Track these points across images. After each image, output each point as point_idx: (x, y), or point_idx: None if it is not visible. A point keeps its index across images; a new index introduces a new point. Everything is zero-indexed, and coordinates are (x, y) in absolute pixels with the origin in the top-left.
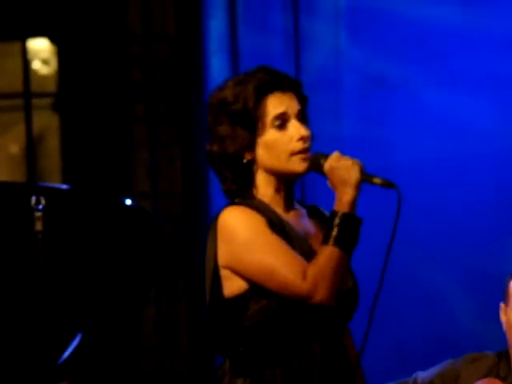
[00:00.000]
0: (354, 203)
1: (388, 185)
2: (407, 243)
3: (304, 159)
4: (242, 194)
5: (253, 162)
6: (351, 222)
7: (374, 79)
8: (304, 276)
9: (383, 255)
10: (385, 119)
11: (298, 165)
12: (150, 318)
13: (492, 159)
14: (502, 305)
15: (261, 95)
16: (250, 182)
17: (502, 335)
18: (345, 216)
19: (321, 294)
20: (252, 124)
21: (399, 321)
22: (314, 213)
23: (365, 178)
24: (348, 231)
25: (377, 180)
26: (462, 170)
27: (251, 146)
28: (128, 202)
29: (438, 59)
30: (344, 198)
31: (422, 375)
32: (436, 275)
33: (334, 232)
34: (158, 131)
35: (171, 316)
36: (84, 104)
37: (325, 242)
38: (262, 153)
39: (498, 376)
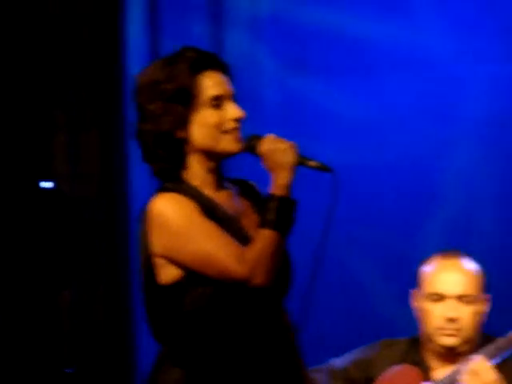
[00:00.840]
0: (289, 186)
1: (324, 168)
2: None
3: (238, 139)
4: (173, 174)
5: (185, 140)
6: (287, 206)
7: (294, 63)
8: (241, 260)
9: (313, 237)
10: (306, 103)
11: (232, 145)
12: (66, 302)
13: (409, 145)
14: (414, 291)
15: (195, 72)
16: (182, 162)
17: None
18: (281, 199)
19: (259, 278)
20: (187, 101)
21: (315, 304)
22: (245, 189)
23: (300, 161)
24: (284, 214)
25: (312, 163)
26: (382, 156)
27: (185, 123)
28: (46, 184)
29: (354, 44)
30: (280, 181)
31: (336, 362)
32: (353, 257)
33: (271, 216)
34: (77, 114)
35: (87, 300)
36: (2, 88)
37: (262, 225)
38: (195, 131)
39: (411, 361)
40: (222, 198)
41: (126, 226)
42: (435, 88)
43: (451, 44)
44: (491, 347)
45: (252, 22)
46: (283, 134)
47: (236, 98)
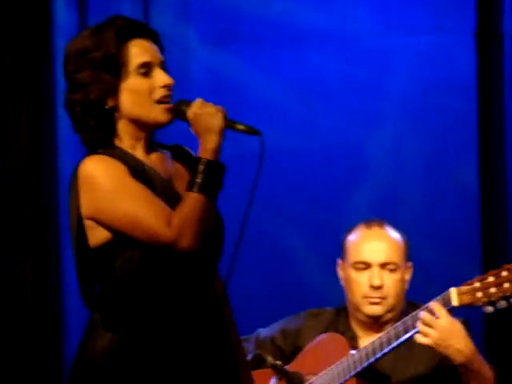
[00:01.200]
0: (217, 150)
1: (251, 131)
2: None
3: (167, 110)
4: (104, 143)
5: (115, 109)
6: (215, 169)
7: (222, 36)
8: (169, 223)
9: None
10: (234, 75)
11: (161, 115)
12: None
13: (337, 119)
14: (339, 260)
15: (122, 40)
16: (112, 131)
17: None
18: (209, 163)
19: (186, 241)
20: (115, 69)
21: (243, 275)
22: (177, 153)
23: (228, 125)
24: (212, 178)
25: (240, 126)
26: (310, 129)
27: (114, 91)
28: None
29: (284, 15)
30: (208, 145)
31: (263, 332)
32: (281, 229)
33: (199, 179)
34: (5, 85)
35: (15, 270)
36: None
37: (189, 188)
38: (125, 99)
39: (337, 330)
40: (154, 162)
41: (55, 197)
42: (363, 61)
43: (378, 17)
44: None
45: None
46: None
47: (166, 67)
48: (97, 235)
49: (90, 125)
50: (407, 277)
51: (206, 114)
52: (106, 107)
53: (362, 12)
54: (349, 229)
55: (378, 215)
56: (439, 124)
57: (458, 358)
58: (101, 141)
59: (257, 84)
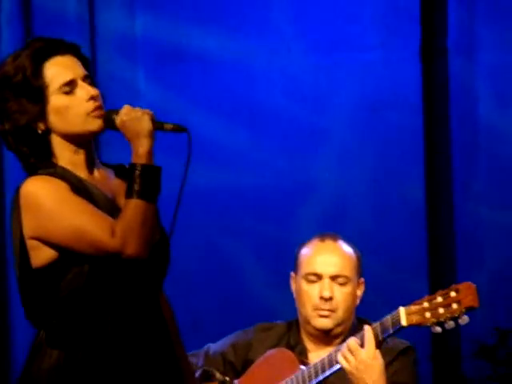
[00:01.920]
0: (150, 153)
1: (179, 129)
2: (202, 211)
3: (97, 117)
4: (43, 165)
5: (48, 131)
6: (151, 172)
7: (171, 50)
8: (112, 232)
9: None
10: (182, 90)
11: (92, 124)
12: None
13: (284, 134)
14: (292, 274)
15: (38, 62)
16: (49, 152)
17: (294, 304)
18: (144, 167)
19: (131, 247)
20: (36, 93)
21: (192, 289)
22: (121, 172)
23: (157, 126)
24: (149, 182)
25: (168, 126)
26: (256, 141)
27: (42, 115)
28: None
29: (231, 32)
30: (140, 150)
31: (213, 347)
32: (229, 243)
33: (136, 185)
34: None
35: None
36: None
37: (128, 196)
38: (54, 120)
39: (288, 344)
40: (97, 179)
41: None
42: (309, 76)
43: (326, 32)
44: (376, 325)
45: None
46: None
47: (91, 78)
48: (41, 255)
49: (25, 152)
50: (359, 293)
51: (133, 119)
52: (39, 132)
53: (308, 28)
54: (303, 242)
55: (324, 230)
56: (385, 140)
57: None
58: (39, 163)
59: (204, 95)
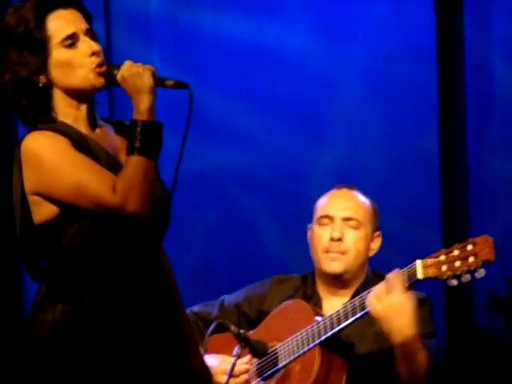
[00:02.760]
0: (151, 109)
1: (180, 85)
2: (216, 165)
3: (99, 74)
4: (42, 119)
5: (49, 85)
6: (152, 129)
7: (185, 30)
8: (114, 189)
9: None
10: (194, 41)
11: (94, 80)
12: None
13: (298, 85)
14: (309, 225)
15: (41, 14)
16: (49, 106)
17: (308, 257)
18: (144, 124)
19: (132, 204)
20: (38, 46)
21: (207, 242)
22: (120, 128)
23: (158, 82)
24: (150, 138)
25: (169, 82)
26: (270, 92)
27: (43, 68)
28: None
29: None
30: (141, 106)
31: (228, 298)
32: (244, 196)
33: (137, 141)
34: None
35: None
36: None
37: (129, 152)
38: (56, 73)
39: (304, 294)
40: (98, 135)
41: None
42: (325, 28)
43: None
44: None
45: None
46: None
47: (93, 33)
48: (42, 211)
49: (24, 105)
50: (374, 245)
51: (134, 75)
52: (40, 85)
53: None
54: (316, 196)
55: (338, 183)
56: (400, 91)
57: (397, 338)
58: (39, 117)
59: (217, 47)
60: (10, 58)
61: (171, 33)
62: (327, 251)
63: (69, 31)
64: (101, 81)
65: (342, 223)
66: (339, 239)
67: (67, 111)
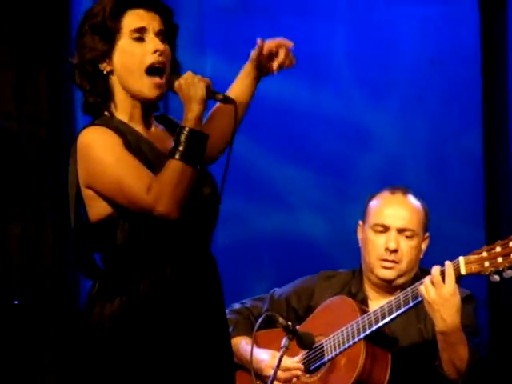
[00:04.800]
0: (199, 118)
1: (228, 100)
2: (258, 173)
3: (157, 86)
4: (100, 108)
5: (109, 74)
6: (196, 137)
7: (235, 4)
8: (149, 189)
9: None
10: (246, 45)
11: (149, 90)
12: (15, 236)
13: (345, 89)
14: (360, 222)
15: (121, 8)
16: (107, 96)
17: (355, 254)
18: (191, 131)
19: (162, 206)
20: (109, 34)
21: (250, 224)
22: (169, 126)
23: (209, 95)
24: (193, 146)
25: (219, 96)
26: (318, 94)
27: (108, 55)
28: None
29: None
30: (190, 114)
31: (278, 291)
32: (295, 198)
33: (180, 146)
34: (24, 53)
35: (36, 234)
36: None
37: (171, 156)
38: (117, 61)
39: (349, 291)
40: (153, 136)
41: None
42: (371, 31)
43: None
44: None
45: None
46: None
47: (165, 38)
48: (97, 207)
49: (86, 88)
50: (423, 246)
51: (189, 84)
52: (101, 71)
53: None
54: (373, 193)
55: (383, 181)
56: (444, 92)
57: (440, 326)
58: (97, 106)
59: None
60: (84, 41)
61: (223, 33)
62: (381, 259)
63: (139, 25)
64: (154, 94)
65: (396, 233)
66: (395, 250)
67: (125, 106)
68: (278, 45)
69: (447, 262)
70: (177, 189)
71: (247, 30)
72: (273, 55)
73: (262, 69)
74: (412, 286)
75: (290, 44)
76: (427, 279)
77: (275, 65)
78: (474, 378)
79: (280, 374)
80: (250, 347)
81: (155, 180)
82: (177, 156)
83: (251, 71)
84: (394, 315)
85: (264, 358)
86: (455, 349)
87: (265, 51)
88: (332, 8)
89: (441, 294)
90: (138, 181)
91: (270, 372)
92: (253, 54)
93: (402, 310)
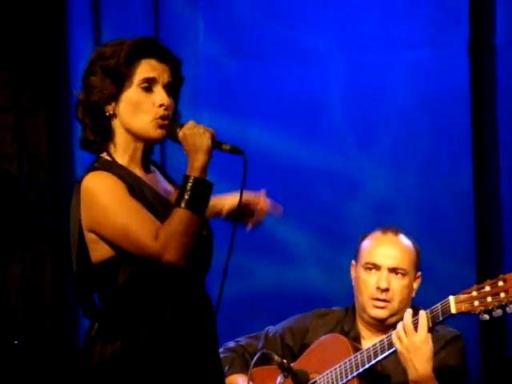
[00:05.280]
0: (204, 168)
1: (236, 151)
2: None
3: (161, 126)
4: (99, 147)
5: (113, 116)
6: (202, 186)
7: (230, 50)
8: (156, 236)
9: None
10: (240, 89)
11: (154, 131)
12: (15, 277)
13: (336, 133)
14: (353, 262)
15: (135, 55)
16: (108, 136)
17: (348, 292)
18: (196, 180)
19: (170, 254)
20: (119, 79)
21: (251, 277)
22: (164, 172)
23: (215, 145)
24: (199, 195)
25: (226, 146)
26: (310, 139)
27: (114, 99)
28: None
29: (289, 31)
30: (195, 164)
31: (273, 329)
32: (287, 232)
33: (186, 195)
34: (23, 96)
35: (36, 275)
36: None
37: (177, 204)
38: (123, 108)
39: (342, 329)
40: (151, 179)
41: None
42: (363, 74)
43: (379, 31)
44: (427, 312)
45: (189, 6)
46: (219, 117)
47: (171, 91)
48: (100, 250)
49: (88, 125)
50: (415, 285)
51: (194, 134)
52: (107, 114)
53: (362, 27)
54: (365, 233)
55: (375, 223)
56: (435, 134)
57: (412, 374)
58: (96, 144)
59: (263, 91)
60: (93, 80)
61: (218, 79)
62: (373, 298)
63: (149, 75)
64: (159, 133)
65: (388, 273)
66: (386, 289)
67: (124, 149)
68: (253, 202)
69: (421, 312)
70: (184, 237)
71: (241, 75)
72: (247, 210)
73: (234, 217)
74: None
75: (265, 206)
76: (399, 327)
77: (249, 225)
78: None
79: None
80: None
81: (162, 228)
82: (183, 205)
83: (220, 213)
84: (386, 353)
85: None
86: None
87: (240, 207)
88: (325, 53)
89: (412, 342)
90: (145, 228)
91: None
92: (226, 208)
93: (394, 348)
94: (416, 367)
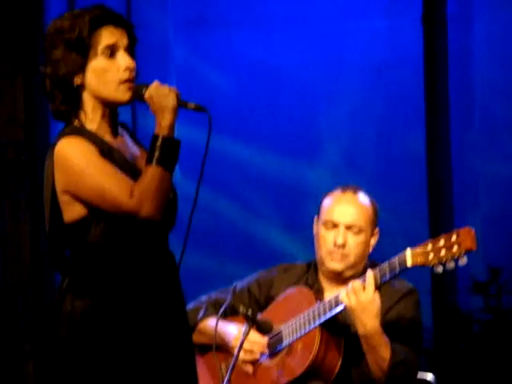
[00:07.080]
0: (172, 127)
1: (200, 109)
2: (226, 165)
3: (129, 89)
4: (69, 115)
5: (82, 87)
6: (171, 144)
7: (196, 19)
8: (131, 194)
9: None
10: (207, 56)
11: (122, 94)
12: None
13: (300, 94)
14: (315, 218)
15: (95, 26)
16: (78, 105)
17: (311, 246)
18: (165, 139)
19: (146, 209)
20: (84, 50)
21: (218, 234)
22: (129, 131)
23: (180, 104)
24: (168, 152)
25: (191, 105)
26: (274, 103)
27: (81, 70)
28: None
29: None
30: (163, 123)
31: (240, 284)
32: (253, 193)
33: (156, 153)
34: (0, 61)
35: (15, 231)
36: None
37: (148, 162)
38: (90, 78)
39: (306, 282)
40: (119, 143)
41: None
42: (321, 42)
43: (338, 1)
44: (378, 269)
45: None
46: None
47: (133, 53)
48: (73, 211)
49: (58, 97)
50: (373, 241)
51: (160, 95)
52: (73, 83)
53: None
54: (328, 191)
55: (334, 181)
56: (390, 98)
57: (360, 330)
58: (66, 113)
59: (227, 62)
60: (56, 53)
61: (186, 50)
62: (330, 253)
63: (111, 41)
64: (127, 96)
65: (345, 230)
66: (342, 245)
67: (93, 116)
68: None
69: (368, 271)
70: (157, 193)
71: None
72: None
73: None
74: (362, 278)
75: None
76: (349, 286)
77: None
78: (396, 377)
79: (244, 351)
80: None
81: (136, 185)
82: (154, 162)
83: None
84: (343, 306)
85: (232, 331)
86: (377, 350)
87: None
88: (286, 21)
89: (360, 301)
90: (120, 187)
91: (236, 343)
92: None
93: (339, 307)
94: (364, 323)
